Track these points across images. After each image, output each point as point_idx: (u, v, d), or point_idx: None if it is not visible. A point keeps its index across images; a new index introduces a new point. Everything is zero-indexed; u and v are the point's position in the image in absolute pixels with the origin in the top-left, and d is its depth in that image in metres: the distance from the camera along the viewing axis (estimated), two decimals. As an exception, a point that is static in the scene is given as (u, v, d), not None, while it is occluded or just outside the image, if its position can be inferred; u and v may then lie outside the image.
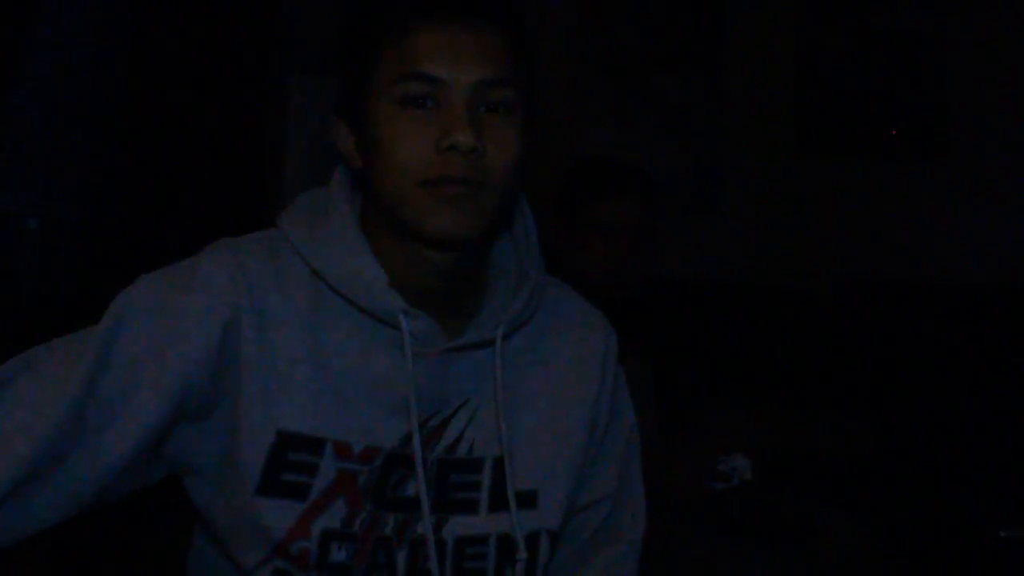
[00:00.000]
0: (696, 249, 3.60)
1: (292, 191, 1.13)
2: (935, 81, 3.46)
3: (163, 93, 3.16)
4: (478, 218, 1.02)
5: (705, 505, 1.90)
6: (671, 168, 3.62)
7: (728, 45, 3.68)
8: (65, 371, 0.96)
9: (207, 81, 3.35)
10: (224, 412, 1.01)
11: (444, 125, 1.00)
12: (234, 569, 1.05)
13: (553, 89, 3.65)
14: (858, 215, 3.54)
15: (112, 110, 2.97)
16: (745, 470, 1.93)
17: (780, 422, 2.50)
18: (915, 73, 3.48)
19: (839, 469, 2.13)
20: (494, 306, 1.11)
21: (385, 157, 1.01)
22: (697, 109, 3.71)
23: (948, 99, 3.45)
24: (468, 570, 1.07)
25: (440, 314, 1.07)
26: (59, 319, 1.07)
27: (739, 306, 3.39)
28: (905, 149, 3.51)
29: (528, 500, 1.10)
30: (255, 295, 1.02)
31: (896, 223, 3.49)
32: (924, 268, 3.44)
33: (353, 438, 1.03)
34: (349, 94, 1.06)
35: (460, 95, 1.01)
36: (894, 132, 3.52)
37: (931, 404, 2.92)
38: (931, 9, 3.45)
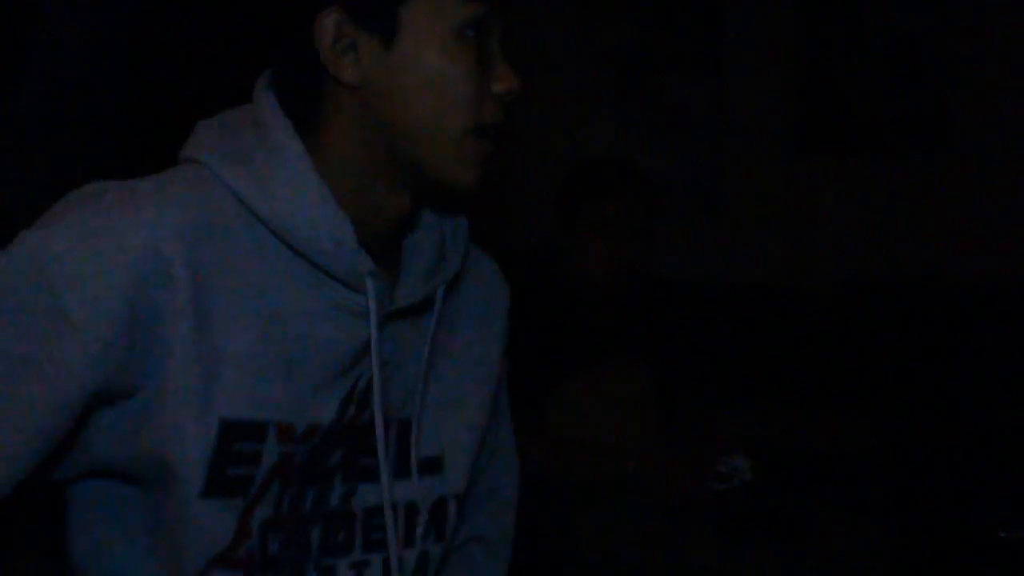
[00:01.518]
0: (696, 249, 3.60)
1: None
2: (935, 81, 3.46)
3: (162, 93, 3.16)
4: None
5: (705, 505, 1.90)
6: (671, 168, 3.61)
7: (728, 45, 3.68)
8: None
9: (207, 80, 3.35)
10: (146, 403, 0.85)
11: (492, 66, 0.90)
12: None
13: (553, 89, 3.65)
14: (859, 215, 3.53)
15: (112, 110, 2.97)
16: (745, 470, 1.93)
17: (780, 422, 2.50)
18: (915, 73, 3.47)
19: (839, 469, 2.13)
20: (420, 261, 1.00)
21: (436, 91, 0.87)
22: (697, 109, 3.71)
23: (948, 99, 3.44)
24: (375, 541, 0.99)
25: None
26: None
27: (740, 306, 3.39)
28: (905, 149, 3.50)
29: (434, 466, 1.02)
30: (186, 255, 0.84)
31: (897, 223, 3.49)
32: (924, 268, 3.44)
33: (297, 418, 0.91)
34: None
35: (498, 30, 0.90)
36: (894, 132, 3.51)
37: (931, 404, 2.92)
38: (931, 9, 3.45)
